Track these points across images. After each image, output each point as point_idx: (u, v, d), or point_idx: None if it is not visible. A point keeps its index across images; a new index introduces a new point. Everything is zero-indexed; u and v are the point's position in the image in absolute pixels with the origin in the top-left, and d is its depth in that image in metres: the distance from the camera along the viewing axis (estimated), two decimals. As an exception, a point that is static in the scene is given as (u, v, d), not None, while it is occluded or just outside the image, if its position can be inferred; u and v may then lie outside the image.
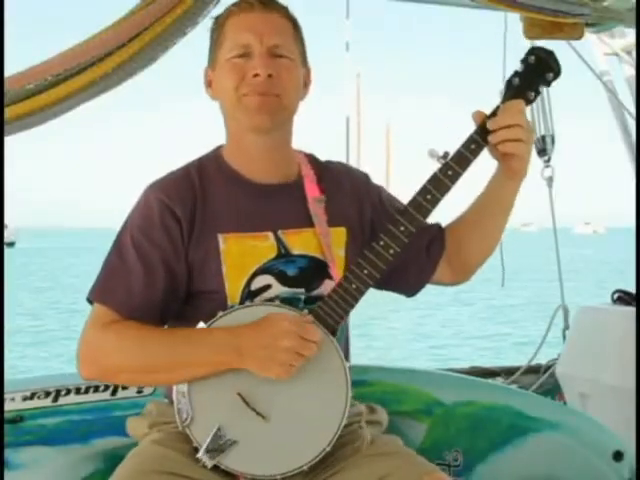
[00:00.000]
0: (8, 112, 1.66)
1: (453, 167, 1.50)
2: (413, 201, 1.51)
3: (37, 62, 1.68)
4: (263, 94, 1.53)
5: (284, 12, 1.59)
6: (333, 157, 1.77)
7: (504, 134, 1.49)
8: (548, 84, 1.54)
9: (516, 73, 1.53)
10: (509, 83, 1.53)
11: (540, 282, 21.40)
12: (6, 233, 54.89)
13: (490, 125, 1.50)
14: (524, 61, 1.53)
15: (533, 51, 1.53)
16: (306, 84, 1.65)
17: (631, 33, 3.53)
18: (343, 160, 1.82)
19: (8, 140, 1.73)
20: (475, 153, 1.51)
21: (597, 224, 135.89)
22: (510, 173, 1.57)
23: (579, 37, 2.58)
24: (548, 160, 3.66)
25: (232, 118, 1.61)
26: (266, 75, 1.52)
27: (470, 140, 1.51)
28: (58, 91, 1.67)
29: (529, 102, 1.53)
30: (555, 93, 3.64)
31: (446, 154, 1.51)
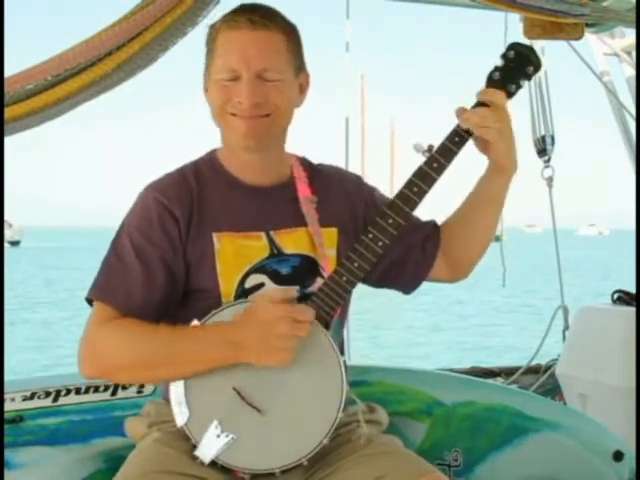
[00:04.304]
0: (8, 112, 1.66)
1: (438, 159, 1.53)
2: (400, 194, 1.54)
3: (37, 62, 1.68)
4: (249, 118, 1.53)
5: (274, 27, 1.53)
6: (333, 159, 1.78)
7: (471, 118, 1.51)
8: (529, 78, 1.57)
9: (496, 68, 1.56)
10: (489, 77, 1.56)
11: (543, 282, 21.41)
12: (11, 232, 54.68)
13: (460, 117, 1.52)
14: (504, 56, 1.56)
15: (513, 46, 1.56)
16: (302, 90, 1.63)
17: (631, 33, 3.53)
18: (342, 162, 1.83)
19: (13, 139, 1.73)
20: (459, 145, 1.54)
21: (602, 225, 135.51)
22: (497, 167, 1.59)
23: (579, 37, 2.59)
24: (548, 160, 3.66)
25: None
26: (251, 104, 1.52)
27: (454, 133, 1.54)
28: (58, 91, 1.67)
29: (510, 95, 1.56)
30: (555, 93, 3.64)
31: (431, 147, 1.54)
